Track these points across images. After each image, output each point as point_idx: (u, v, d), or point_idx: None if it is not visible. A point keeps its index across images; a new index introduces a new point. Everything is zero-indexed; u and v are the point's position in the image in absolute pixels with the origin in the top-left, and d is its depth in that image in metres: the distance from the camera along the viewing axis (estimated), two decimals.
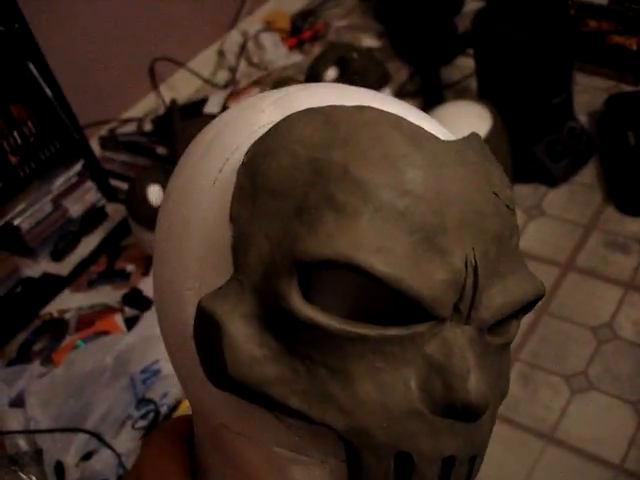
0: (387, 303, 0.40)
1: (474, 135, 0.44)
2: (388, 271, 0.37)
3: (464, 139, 0.43)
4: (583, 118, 2.18)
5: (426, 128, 0.42)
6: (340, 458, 0.40)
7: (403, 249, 0.38)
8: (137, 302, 1.97)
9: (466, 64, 2.48)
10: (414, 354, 0.39)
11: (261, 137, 0.41)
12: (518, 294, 0.42)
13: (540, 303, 1.75)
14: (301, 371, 0.39)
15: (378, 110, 0.41)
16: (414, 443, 0.39)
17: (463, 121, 1.72)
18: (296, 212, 0.38)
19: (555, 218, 1.97)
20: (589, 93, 2.28)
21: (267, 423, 0.41)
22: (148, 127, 2.42)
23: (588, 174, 2.06)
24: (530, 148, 2.01)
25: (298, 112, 0.41)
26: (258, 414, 0.41)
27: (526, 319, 1.73)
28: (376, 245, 0.37)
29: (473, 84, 2.34)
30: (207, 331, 0.40)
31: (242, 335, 0.39)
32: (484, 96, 2.00)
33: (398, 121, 0.41)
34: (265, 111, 0.45)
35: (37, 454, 1.64)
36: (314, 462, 0.41)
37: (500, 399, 0.45)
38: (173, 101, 1.87)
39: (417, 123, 0.42)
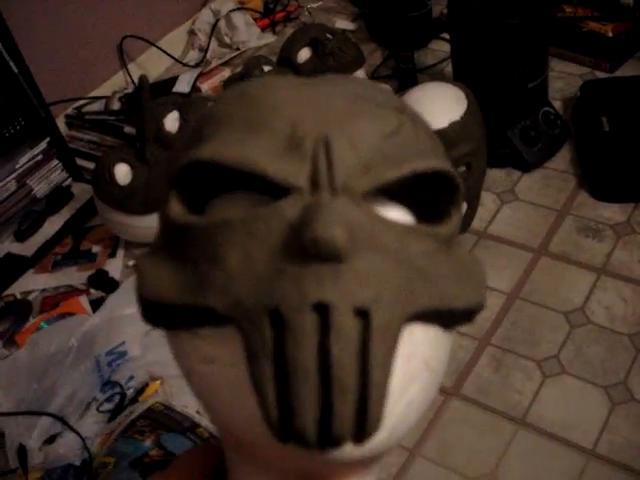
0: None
1: (357, 76, 0.52)
2: (228, 155, 0.42)
3: (340, 75, 0.49)
4: (558, 104, 2.17)
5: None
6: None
7: (251, 141, 0.43)
8: (103, 284, 1.93)
9: (440, 48, 2.46)
10: (277, 225, 0.42)
11: None
12: (400, 163, 0.43)
13: (512, 287, 1.75)
14: (189, 272, 0.44)
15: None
16: (278, 296, 0.40)
17: (439, 102, 1.69)
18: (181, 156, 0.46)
19: (528, 203, 1.96)
20: (564, 79, 2.27)
21: (190, 344, 0.45)
22: (116, 106, 2.37)
23: (562, 160, 2.05)
24: (504, 133, 1.99)
25: None
26: (184, 340, 0.45)
27: (498, 303, 1.72)
28: (219, 144, 0.43)
29: (447, 68, 2.32)
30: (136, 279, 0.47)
31: (149, 265, 0.45)
32: (459, 80, 1.98)
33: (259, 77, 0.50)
34: None
35: None
36: (227, 367, 0.43)
37: (410, 296, 0.43)
38: (142, 76, 1.82)
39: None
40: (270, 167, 0.42)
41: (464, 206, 1.79)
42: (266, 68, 2.05)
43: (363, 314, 0.40)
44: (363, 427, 0.40)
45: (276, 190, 0.42)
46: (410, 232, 0.44)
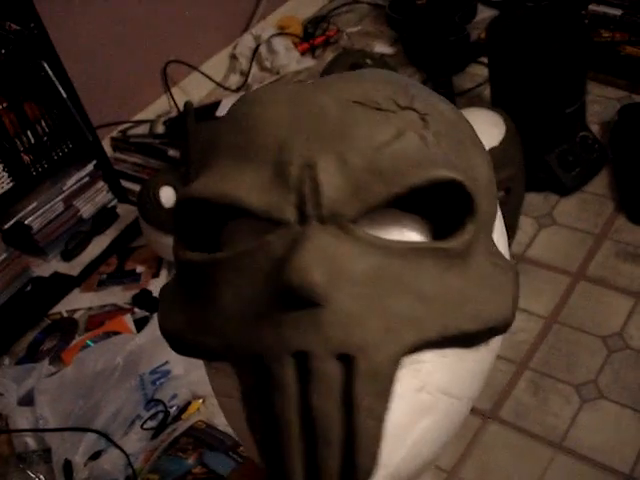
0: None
1: (375, 69, 0.48)
2: (214, 192, 0.42)
3: (354, 72, 0.47)
4: (595, 128, 2.18)
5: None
6: None
7: (239, 174, 0.42)
8: (147, 303, 1.97)
9: (478, 72, 2.48)
10: (265, 262, 0.41)
11: None
12: (393, 179, 0.40)
13: (550, 312, 1.76)
14: (195, 310, 0.44)
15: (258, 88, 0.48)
16: (261, 343, 0.39)
17: (477, 127, 1.70)
18: None
19: (566, 227, 1.97)
20: (601, 103, 2.28)
21: (211, 375, 0.46)
22: (160, 129, 2.43)
23: (599, 184, 2.06)
24: (542, 157, 2.01)
25: None
26: (207, 370, 0.46)
27: (536, 327, 1.73)
28: (210, 179, 0.43)
29: (485, 92, 2.35)
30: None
31: (167, 297, 0.46)
32: (497, 104, 2.00)
33: (261, 87, 0.48)
34: None
35: (45, 453, 1.65)
36: (236, 401, 0.43)
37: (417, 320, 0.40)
38: (188, 102, 1.87)
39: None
40: (254, 201, 0.41)
41: None
42: None
43: (346, 360, 0.38)
44: (351, 478, 0.39)
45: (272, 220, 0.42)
46: (414, 253, 0.41)
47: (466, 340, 0.43)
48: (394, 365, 0.39)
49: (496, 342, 0.46)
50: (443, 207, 0.44)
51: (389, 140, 0.42)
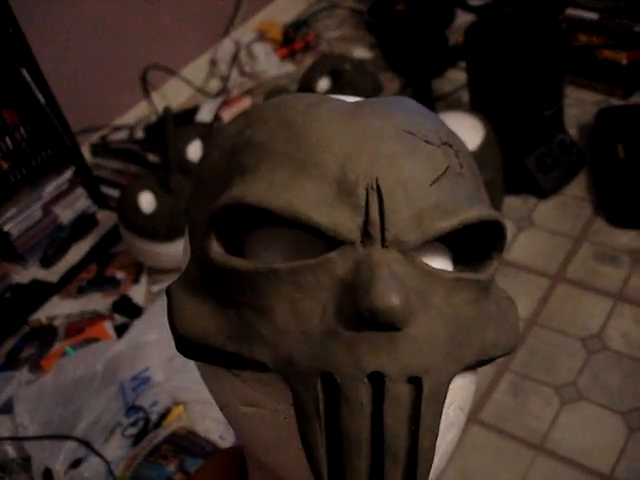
0: (316, 245, 0.43)
1: (402, 97, 0.49)
2: (277, 203, 0.41)
3: (385, 98, 0.47)
4: (573, 131, 2.20)
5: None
6: (289, 402, 0.42)
7: (300, 186, 0.42)
8: (127, 309, 1.96)
9: (457, 76, 2.50)
10: (328, 280, 0.41)
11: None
12: (450, 213, 0.42)
13: (530, 314, 1.77)
14: (233, 318, 0.43)
15: (288, 94, 0.47)
16: (333, 362, 0.40)
17: (456, 131, 1.72)
18: (220, 188, 0.45)
19: (545, 230, 1.99)
20: (579, 107, 2.30)
21: (230, 384, 0.45)
22: (139, 135, 2.42)
23: (578, 186, 2.08)
24: (521, 160, 2.02)
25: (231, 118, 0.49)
26: (223, 378, 0.45)
27: None
28: (266, 186, 0.42)
29: (464, 96, 2.36)
30: (167, 306, 0.46)
31: (185, 298, 0.45)
32: (476, 108, 2.02)
33: (299, 95, 0.46)
34: None
35: (25, 461, 1.64)
36: (269, 412, 0.43)
37: (458, 344, 0.43)
38: (167, 108, 1.86)
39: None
40: (322, 219, 0.41)
41: None
42: None
43: (416, 381, 0.40)
44: None
45: (321, 233, 0.41)
46: (455, 283, 0.43)
47: (484, 364, 0.47)
48: (448, 386, 0.42)
49: None
50: (466, 238, 0.46)
51: (441, 173, 0.44)
